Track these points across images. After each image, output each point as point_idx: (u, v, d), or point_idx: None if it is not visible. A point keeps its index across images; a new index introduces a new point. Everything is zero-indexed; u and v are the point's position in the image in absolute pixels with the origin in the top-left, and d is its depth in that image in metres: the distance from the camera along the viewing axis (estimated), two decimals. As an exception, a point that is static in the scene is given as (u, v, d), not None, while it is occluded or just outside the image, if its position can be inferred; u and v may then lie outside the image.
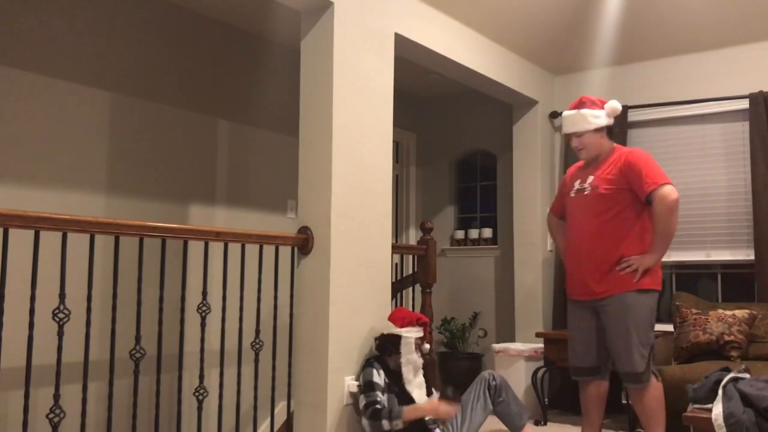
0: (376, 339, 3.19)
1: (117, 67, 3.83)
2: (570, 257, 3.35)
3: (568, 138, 3.39)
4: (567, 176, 3.54)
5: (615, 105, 3.28)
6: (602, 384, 3.32)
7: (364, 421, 2.88)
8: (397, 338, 3.07)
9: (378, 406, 2.89)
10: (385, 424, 2.84)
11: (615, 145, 3.35)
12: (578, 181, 3.35)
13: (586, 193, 3.26)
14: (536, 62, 5.00)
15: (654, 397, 3.14)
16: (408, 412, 2.87)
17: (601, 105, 3.29)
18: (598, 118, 3.26)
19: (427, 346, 3.24)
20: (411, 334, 3.07)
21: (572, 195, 3.35)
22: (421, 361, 3.10)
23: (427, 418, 2.97)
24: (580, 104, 3.32)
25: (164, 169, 4.04)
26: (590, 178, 3.27)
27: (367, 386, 2.97)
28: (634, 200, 3.16)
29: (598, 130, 3.27)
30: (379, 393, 2.95)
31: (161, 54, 4.07)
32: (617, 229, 3.16)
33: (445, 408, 2.91)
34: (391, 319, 3.20)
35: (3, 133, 3.31)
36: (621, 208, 3.16)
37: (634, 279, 3.10)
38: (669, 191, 3.05)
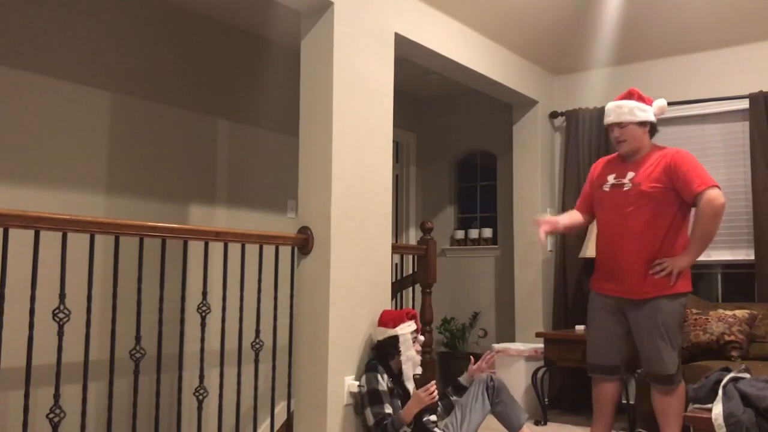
0: (373, 348, 3.20)
1: (117, 67, 3.83)
2: (606, 252, 3.25)
3: (609, 128, 3.28)
4: (596, 170, 3.43)
5: (662, 104, 3.24)
6: (619, 384, 3.28)
7: None
8: (395, 339, 3.09)
9: (386, 421, 2.90)
10: None
11: (655, 144, 3.27)
12: (613, 176, 3.24)
13: (625, 189, 3.16)
14: (536, 62, 5.00)
15: (679, 399, 3.11)
16: (405, 417, 2.89)
17: (649, 101, 3.24)
18: (645, 112, 3.19)
19: (421, 338, 3.24)
20: (405, 329, 3.10)
21: (606, 189, 3.25)
22: (418, 358, 3.11)
23: (424, 419, 2.97)
24: (628, 95, 3.24)
25: (164, 169, 4.04)
26: (630, 174, 3.18)
27: (374, 396, 2.96)
28: (676, 200, 3.10)
29: (641, 124, 3.19)
30: (386, 404, 2.94)
31: (161, 54, 4.07)
32: (657, 228, 3.09)
33: (423, 394, 2.88)
34: (381, 324, 3.20)
35: (3, 133, 3.31)
36: (662, 208, 3.09)
37: (670, 282, 3.05)
38: (717, 194, 3.00)
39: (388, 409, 2.93)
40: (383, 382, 3.00)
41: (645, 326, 3.09)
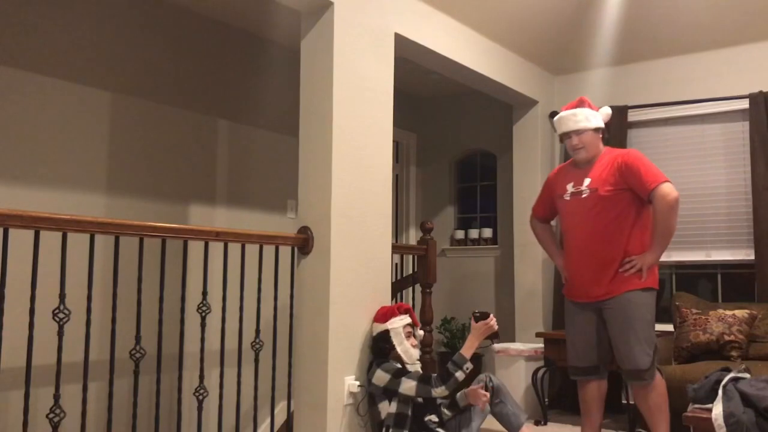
0: (370, 347, 3.21)
1: (117, 67, 3.83)
2: (572, 261, 3.34)
3: (565, 137, 3.36)
4: (552, 178, 3.54)
5: (607, 110, 3.41)
6: (602, 383, 3.35)
7: (437, 390, 2.86)
8: (386, 333, 3.11)
9: (433, 376, 2.91)
10: (459, 374, 2.87)
11: (606, 146, 3.40)
12: (571, 184, 3.34)
13: (584, 195, 3.26)
14: (536, 62, 5.00)
15: (658, 393, 3.17)
16: (466, 352, 2.93)
17: (596, 108, 3.37)
18: (597, 118, 3.31)
19: (420, 332, 3.24)
20: (396, 324, 3.12)
21: (567, 198, 3.34)
22: (415, 351, 3.10)
23: (426, 419, 2.97)
24: (580, 103, 3.35)
25: (164, 169, 4.04)
26: (587, 181, 3.27)
27: (400, 372, 2.97)
28: (634, 200, 3.18)
29: (596, 130, 3.31)
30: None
31: (161, 54, 4.07)
32: (619, 230, 3.18)
33: (485, 326, 2.99)
34: (375, 321, 3.22)
35: (3, 133, 3.32)
36: (622, 209, 3.18)
37: (641, 278, 3.13)
38: (669, 189, 3.08)
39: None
40: (398, 365, 3.03)
41: (617, 321, 3.16)
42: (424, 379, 2.90)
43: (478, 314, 3.05)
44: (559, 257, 3.53)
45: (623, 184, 3.17)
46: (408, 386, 2.92)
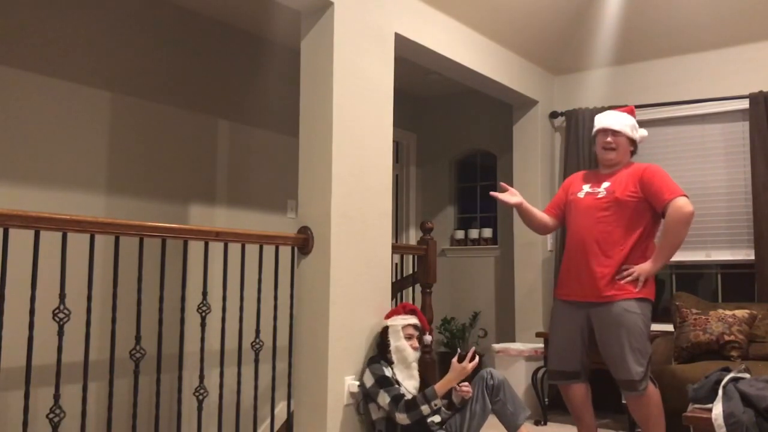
0: (376, 343, 3.23)
1: (117, 67, 3.83)
2: (574, 256, 3.31)
3: (600, 132, 3.34)
4: (571, 178, 3.54)
5: (644, 134, 3.44)
6: (585, 386, 3.33)
7: (400, 415, 2.86)
8: (386, 329, 3.14)
9: (407, 396, 2.91)
10: (425, 409, 2.85)
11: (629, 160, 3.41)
12: (588, 185, 3.35)
13: (599, 196, 3.25)
14: (536, 62, 5.00)
15: (652, 404, 3.14)
16: (439, 389, 2.91)
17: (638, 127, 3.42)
18: (636, 131, 3.36)
19: (428, 337, 3.22)
20: (397, 321, 3.14)
21: (581, 196, 3.33)
22: (412, 352, 3.08)
23: (429, 420, 2.96)
24: (630, 111, 3.41)
25: (164, 169, 4.04)
26: (605, 184, 3.28)
27: (383, 381, 2.97)
28: (646, 211, 3.19)
29: (631, 140, 3.33)
30: (397, 386, 2.97)
31: (161, 54, 4.07)
32: (626, 236, 3.17)
33: (466, 365, 2.95)
34: (385, 317, 3.26)
35: (3, 133, 3.32)
36: (634, 216, 3.18)
37: (636, 287, 3.11)
38: (686, 202, 3.09)
39: (402, 389, 2.96)
40: (388, 371, 3.02)
41: (610, 328, 3.13)
42: (395, 400, 2.90)
43: (463, 354, 3.02)
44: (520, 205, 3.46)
45: (641, 194, 3.18)
46: (383, 400, 2.94)
